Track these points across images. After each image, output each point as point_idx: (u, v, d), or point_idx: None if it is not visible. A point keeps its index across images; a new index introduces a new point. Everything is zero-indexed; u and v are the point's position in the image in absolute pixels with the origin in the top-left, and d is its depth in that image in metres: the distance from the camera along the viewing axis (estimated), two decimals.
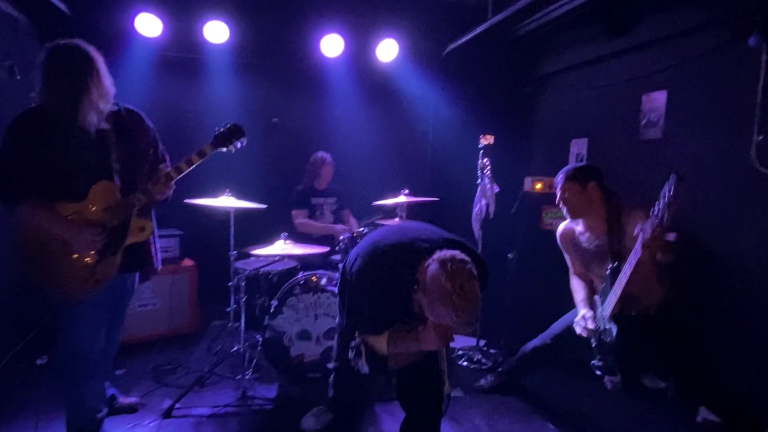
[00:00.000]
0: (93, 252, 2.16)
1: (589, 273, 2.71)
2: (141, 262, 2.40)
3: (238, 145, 2.41)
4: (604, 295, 2.46)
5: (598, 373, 2.53)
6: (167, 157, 2.54)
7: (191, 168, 2.31)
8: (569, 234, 2.76)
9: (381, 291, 1.96)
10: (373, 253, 2.03)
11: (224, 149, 2.37)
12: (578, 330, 2.55)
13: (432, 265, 1.79)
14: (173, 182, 2.31)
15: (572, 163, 2.72)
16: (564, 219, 2.79)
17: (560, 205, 2.67)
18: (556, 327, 2.82)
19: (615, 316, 2.39)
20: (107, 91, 2.16)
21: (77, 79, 2.05)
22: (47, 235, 2.11)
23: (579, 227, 2.70)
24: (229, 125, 2.37)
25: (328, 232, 4.12)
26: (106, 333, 2.36)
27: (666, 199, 1.95)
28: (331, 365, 2.68)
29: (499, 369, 3.21)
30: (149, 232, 2.35)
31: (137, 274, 2.47)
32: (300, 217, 4.22)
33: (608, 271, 2.42)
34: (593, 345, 2.54)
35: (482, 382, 3.23)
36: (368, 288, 2.00)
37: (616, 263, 2.39)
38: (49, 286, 2.15)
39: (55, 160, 2.09)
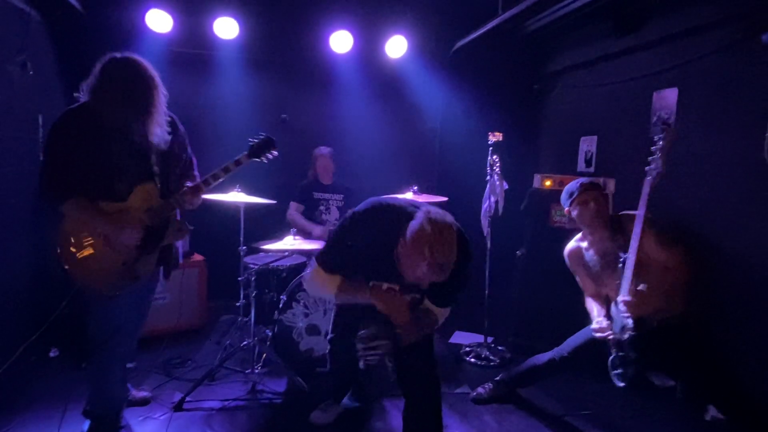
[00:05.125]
0: (133, 249, 2.25)
1: (603, 287, 2.68)
2: (167, 258, 2.50)
3: (270, 156, 2.49)
4: (620, 288, 2.44)
5: (621, 384, 2.46)
6: (194, 160, 2.60)
7: (227, 176, 2.40)
8: (577, 252, 2.77)
9: (367, 237, 2.07)
10: (375, 202, 2.14)
11: (257, 159, 2.47)
12: (596, 332, 2.54)
13: (418, 214, 1.93)
14: (203, 191, 2.40)
15: (573, 183, 2.73)
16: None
17: (583, 225, 2.69)
18: (574, 340, 2.74)
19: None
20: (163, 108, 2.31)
21: (147, 95, 2.21)
22: (90, 231, 2.20)
23: (584, 243, 2.74)
24: (263, 137, 2.47)
25: (307, 230, 4.08)
26: (133, 322, 2.49)
27: (661, 144, 2.33)
28: (327, 337, 2.66)
29: (497, 378, 3.06)
30: (185, 232, 2.48)
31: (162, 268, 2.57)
32: (292, 209, 4.27)
33: (621, 264, 2.42)
34: (612, 356, 2.49)
35: (480, 390, 3.06)
36: (358, 230, 2.09)
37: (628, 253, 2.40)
38: (90, 279, 2.24)
39: (99, 161, 2.18)
